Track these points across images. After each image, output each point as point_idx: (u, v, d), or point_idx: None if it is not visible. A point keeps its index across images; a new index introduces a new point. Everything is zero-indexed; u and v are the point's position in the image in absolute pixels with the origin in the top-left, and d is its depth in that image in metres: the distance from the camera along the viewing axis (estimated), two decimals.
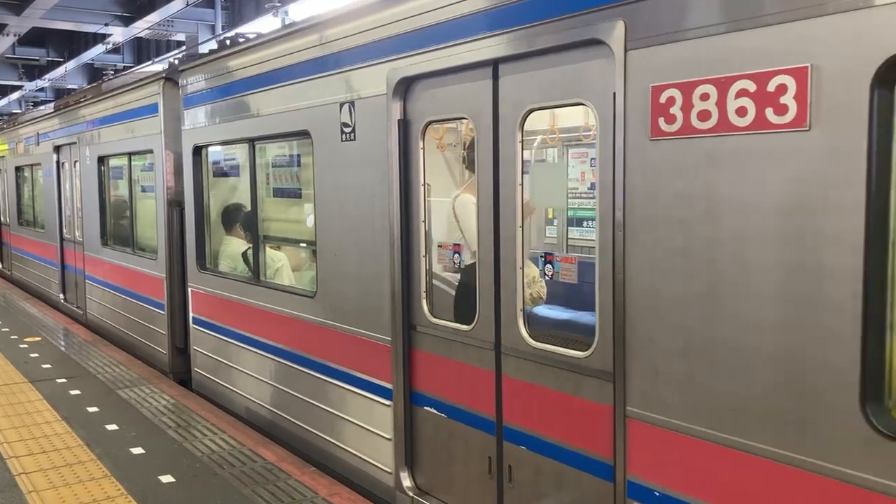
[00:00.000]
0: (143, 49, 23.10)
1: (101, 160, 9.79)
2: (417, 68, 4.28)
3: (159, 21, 17.71)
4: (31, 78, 26.28)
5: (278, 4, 12.32)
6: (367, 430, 4.94)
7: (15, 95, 30.26)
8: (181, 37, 19.50)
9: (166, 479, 5.12)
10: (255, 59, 6.07)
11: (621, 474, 3.29)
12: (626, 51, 3.10)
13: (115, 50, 21.67)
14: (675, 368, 3.02)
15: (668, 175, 2.99)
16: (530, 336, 3.77)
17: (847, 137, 2.45)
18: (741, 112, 2.73)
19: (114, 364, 8.35)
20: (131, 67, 22.82)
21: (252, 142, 6.24)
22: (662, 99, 2.98)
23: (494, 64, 3.84)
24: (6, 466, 5.30)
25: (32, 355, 8.72)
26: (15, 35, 19.05)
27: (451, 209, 4.67)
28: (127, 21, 18.22)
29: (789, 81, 2.59)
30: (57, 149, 11.69)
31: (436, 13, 4.10)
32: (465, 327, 4.20)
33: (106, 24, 18.36)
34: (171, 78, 7.69)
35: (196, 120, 7.10)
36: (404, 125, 4.48)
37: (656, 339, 3.08)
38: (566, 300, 4.66)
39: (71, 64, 23.02)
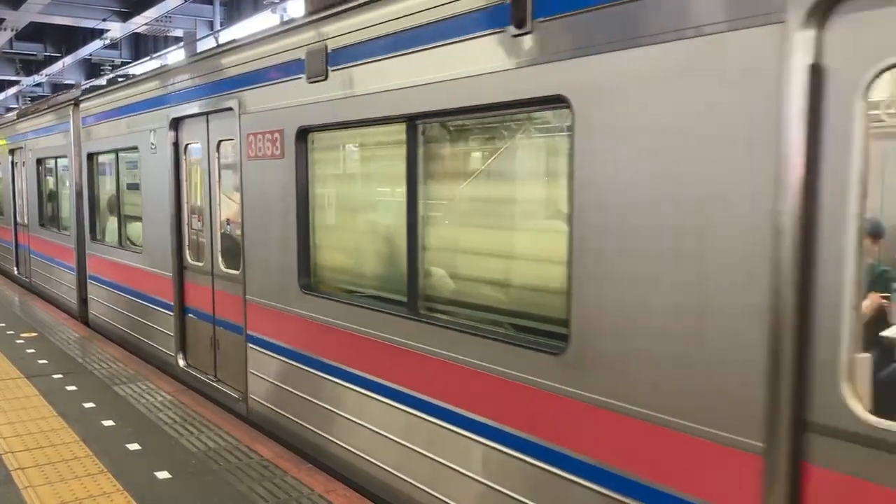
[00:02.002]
0: (141, 45, 23.06)
1: (39, 161, 12.84)
2: (179, 112, 7.37)
3: (157, 17, 17.68)
4: (29, 73, 26.23)
5: (276, 1, 12.30)
6: (164, 332, 8.06)
7: (12, 90, 30.20)
8: (179, 33, 19.46)
9: (162, 475, 5.13)
10: (115, 97, 9.21)
11: (244, 331, 6.34)
12: (240, 115, 6.18)
13: (113, 45, 21.62)
14: (257, 273, 6.12)
15: (253, 177, 6.08)
16: (223, 265, 6.84)
17: (293, 162, 5.47)
18: (268, 148, 5.79)
19: (110, 360, 8.35)
20: (129, 63, 22.77)
21: (116, 152, 9.42)
22: (250, 140, 6.05)
23: (206, 115, 6.91)
24: (2, 462, 5.30)
25: (29, 351, 8.72)
26: (12, 30, 19.01)
27: None
28: (125, 17, 18.18)
29: (279, 135, 5.66)
30: (11, 151, 14.59)
31: (184, 82, 7.27)
32: (201, 264, 7.26)
33: (104, 20, 18.32)
34: (78, 102, 10.64)
35: (89, 135, 10.20)
36: (175, 146, 7.57)
37: (251, 260, 6.19)
38: None
39: (68, 59, 22.97)
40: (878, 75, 2.33)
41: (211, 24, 18.54)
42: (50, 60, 24.06)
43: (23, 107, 23.88)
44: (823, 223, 2.50)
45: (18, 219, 14.41)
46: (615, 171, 3.17)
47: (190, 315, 7.55)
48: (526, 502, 3.66)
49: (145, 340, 8.59)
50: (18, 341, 9.24)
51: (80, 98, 10.47)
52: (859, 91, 2.37)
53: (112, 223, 9.84)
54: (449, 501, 4.18)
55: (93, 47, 21.17)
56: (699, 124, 2.82)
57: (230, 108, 6.30)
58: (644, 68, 3.00)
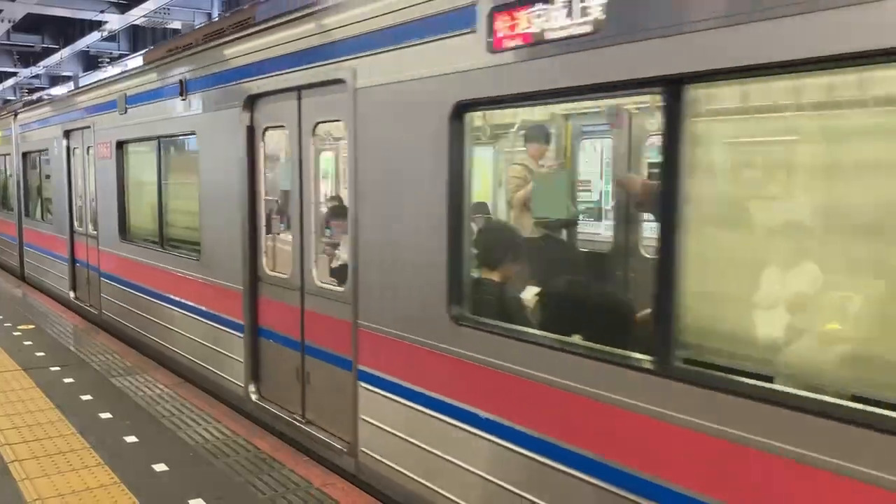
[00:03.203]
0: (139, 37, 22.97)
1: None
2: (68, 126, 10.76)
3: (155, 9, 17.59)
4: (26, 65, 26.11)
5: None
6: (63, 277, 11.52)
7: (9, 82, 30.09)
8: (177, 25, 19.36)
9: (160, 467, 5.12)
10: (36, 112, 12.81)
11: (98, 269, 9.91)
12: (94, 131, 9.68)
13: (111, 38, 21.53)
14: (104, 231, 9.58)
15: (101, 171, 9.55)
16: (91, 228, 10.21)
17: (115, 162, 9.06)
18: (106, 152, 9.30)
19: (108, 352, 8.34)
20: (127, 55, 22.68)
21: (39, 152, 12.80)
22: (99, 147, 9.50)
23: (81, 129, 10.25)
24: None
25: (26, 343, 8.70)
26: (9, 21, 18.89)
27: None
28: (123, 8, 18.09)
29: (110, 145, 9.18)
30: None
31: (70, 107, 10.73)
32: (81, 228, 10.71)
33: (102, 12, 18.23)
34: (17, 114, 14.01)
35: (23, 139, 13.70)
36: (67, 149, 10.94)
37: (101, 223, 9.74)
38: None
39: (66, 51, 22.85)
40: (265, 130, 5.98)
41: (209, 16, 18.46)
42: (47, 52, 23.96)
43: (22, 96, 23.80)
44: (258, 195, 6.07)
45: None
46: (207, 170, 6.86)
47: (77, 264, 11.02)
48: (194, 338, 7.23)
49: (53, 285, 12.14)
50: (15, 333, 9.23)
51: (18, 110, 14.13)
52: (261, 136, 6.00)
53: (38, 204, 13.49)
54: (150, 334, 8.30)
55: (90, 39, 21.06)
56: (227, 150, 6.35)
57: (89, 126, 9.87)
58: (212, 123, 6.70)
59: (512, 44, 3.65)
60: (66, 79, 27.58)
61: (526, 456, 3.66)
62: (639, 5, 3.09)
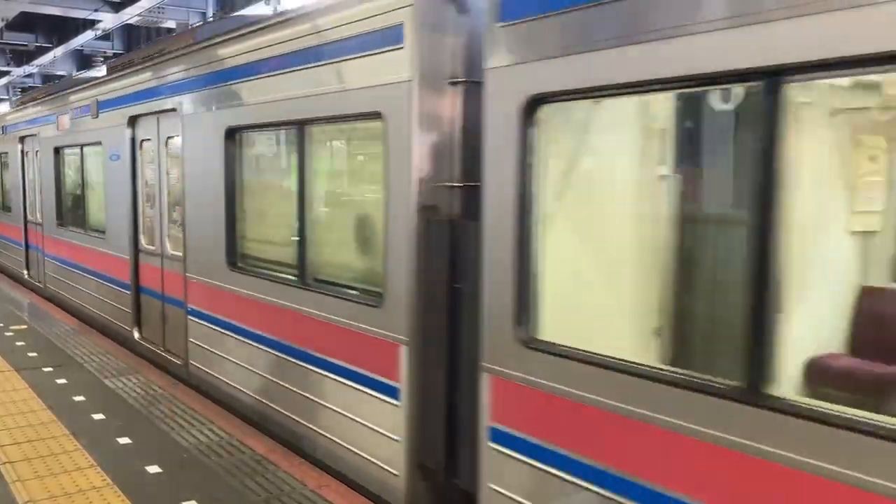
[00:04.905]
0: (133, 36, 22.86)
1: None
2: None
3: (150, 7, 17.50)
4: (20, 64, 25.96)
5: None
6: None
7: (2, 81, 29.93)
8: (172, 24, 19.27)
9: (153, 469, 5.08)
10: None
11: None
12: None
13: (105, 36, 21.43)
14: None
15: None
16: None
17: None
18: None
19: (101, 353, 8.28)
20: (121, 54, 22.57)
21: None
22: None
23: None
24: None
25: (18, 343, 8.64)
26: (3, 20, 18.78)
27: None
28: (117, 7, 17.99)
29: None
30: None
31: None
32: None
33: (96, 10, 18.13)
34: None
35: None
36: None
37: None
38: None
39: (60, 50, 22.73)
40: (27, 154, 13.69)
41: (204, 15, 18.38)
42: (41, 51, 23.83)
43: (14, 95, 23.79)
44: (26, 183, 13.70)
45: None
46: (7, 173, 15.27)
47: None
48: (17, 258, 14.40)
49: None
50: (7, 333, 9.16)
51: None
52: (25, 156, 13.78)
53: None
54: (6, 261, 15.49)
55: (84, 38, 20.94)
56: (15, 164, 14.11)
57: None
58: (9, 149, 14.88)
59: (61, 127, 10.98)
60: (60, 78, 27.45)
61: (89, 277, 10.00)
62: (75, 128, 10.51)
